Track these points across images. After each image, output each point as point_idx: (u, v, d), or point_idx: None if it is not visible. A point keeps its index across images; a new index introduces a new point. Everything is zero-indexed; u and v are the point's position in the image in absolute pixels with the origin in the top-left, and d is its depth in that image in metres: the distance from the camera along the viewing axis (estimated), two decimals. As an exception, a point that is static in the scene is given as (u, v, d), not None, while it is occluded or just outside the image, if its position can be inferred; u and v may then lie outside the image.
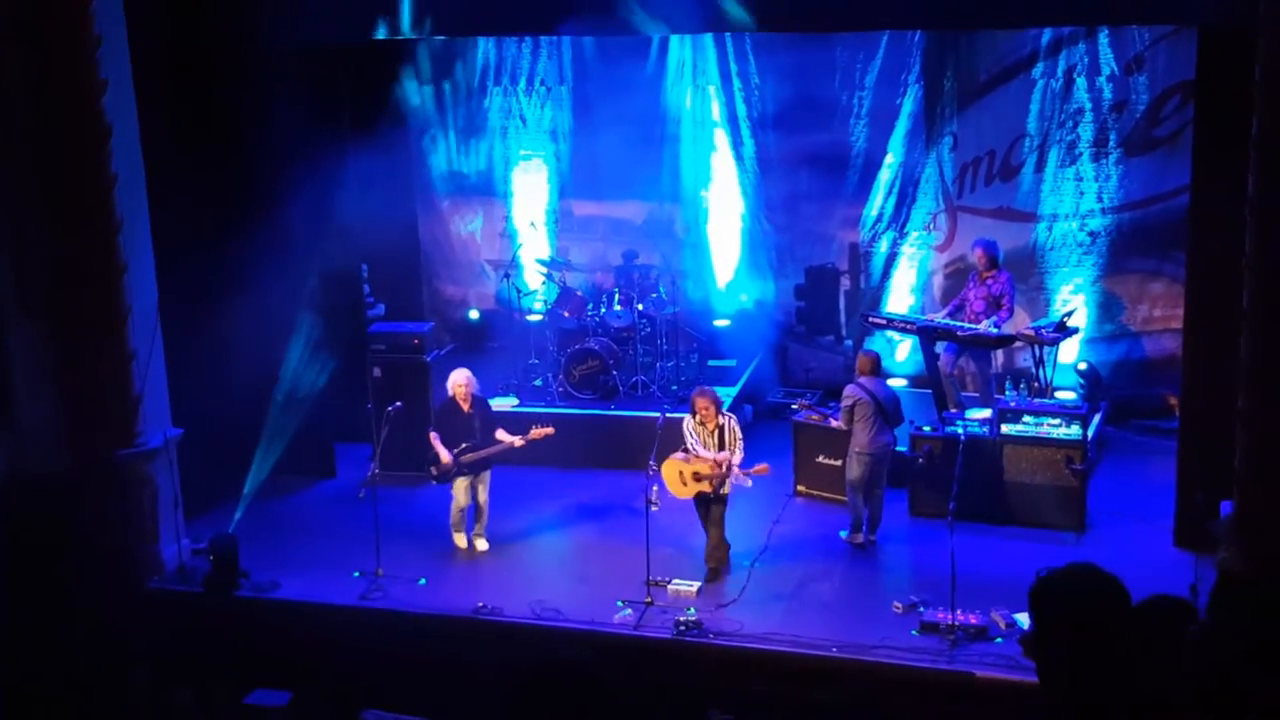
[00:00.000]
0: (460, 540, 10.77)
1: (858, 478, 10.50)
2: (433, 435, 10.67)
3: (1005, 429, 10.84)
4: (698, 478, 10.05)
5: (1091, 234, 12.99)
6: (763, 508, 11.11)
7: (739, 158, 13.95)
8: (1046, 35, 12.65)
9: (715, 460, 9.97)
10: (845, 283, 13.85)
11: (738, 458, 10.00)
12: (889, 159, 13.42)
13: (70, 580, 9.69)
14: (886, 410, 10.46)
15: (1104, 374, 12.83)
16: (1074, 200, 12.96)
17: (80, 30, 9.74)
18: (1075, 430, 10.72)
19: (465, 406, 10.66)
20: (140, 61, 10.30)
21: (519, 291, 13.65)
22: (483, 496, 10.74)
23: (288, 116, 11.20)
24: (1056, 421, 10.76)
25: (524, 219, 14.65)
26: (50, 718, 8.96)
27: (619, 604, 9.71)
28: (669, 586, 9.91)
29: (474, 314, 15.03)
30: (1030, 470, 10.79)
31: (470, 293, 15.15)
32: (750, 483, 10.21)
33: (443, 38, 13.24)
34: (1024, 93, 12.87)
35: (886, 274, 13.72)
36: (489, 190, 14.88)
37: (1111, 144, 12.75)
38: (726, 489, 10.08)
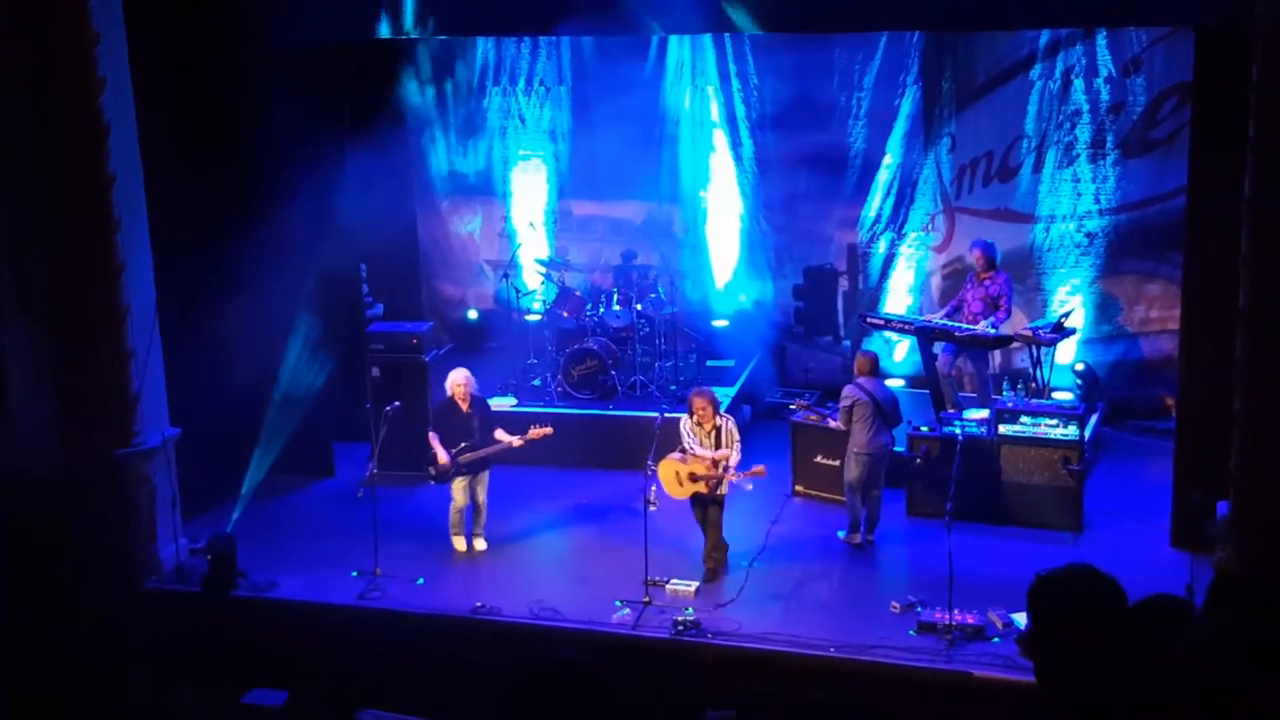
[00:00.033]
0: (460, 544, 10.74)
1: (856, 478, 10.51)
2: (431, 435, 10.68)
3: (1003, 429, 10.86)
4: (694, 478, 10.06)
5: (1089, 235, 13.00)
6: (761, 508, 11.11)
7: (738, 158, 13.96)
8: (1044, 37, 12.67)
9: (713, 459, 9.98)
10: (843, 283, 13.86)
11: (735, 459, 10.01)
12: (887, 160, 13.43)
13: (69, 580, 9.69)
14: (885, 411, 10.47)
15: (1101, 375, 12.85)
16: (1071, 201, 12.97)
17: (79, 28, 9.73)
18: (1072, 431, 10.74)
19: (464, 406, 10.66)
20: (139, 60, 10.29)
21: (518, 291, 13.66)
22: (481, 496, 10.74)
23: (286, 116, 11.21)
24: (1054, 422, 10.78)
25: (523, 219, 14.66)
26: (50, 717, 8.96)
27: (617, 604, 9.72)
28: (667, 586, 9.91)
29: (473, 314, 15.04)
30: (1027, 470, 10.81)
31: (469, 292, 15.15)
32: (750, 486, 10.22)
33: (441, 38, 13.24)
34: (1022, 94, 12.89)
35: (884, 274, 13.73)
36: (488, 190, 14.89)
37: (1109, 145, 12.77)
38: (723, 489, 10.08)
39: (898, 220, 13.57)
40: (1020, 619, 8.95)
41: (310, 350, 11.83)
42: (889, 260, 13.69)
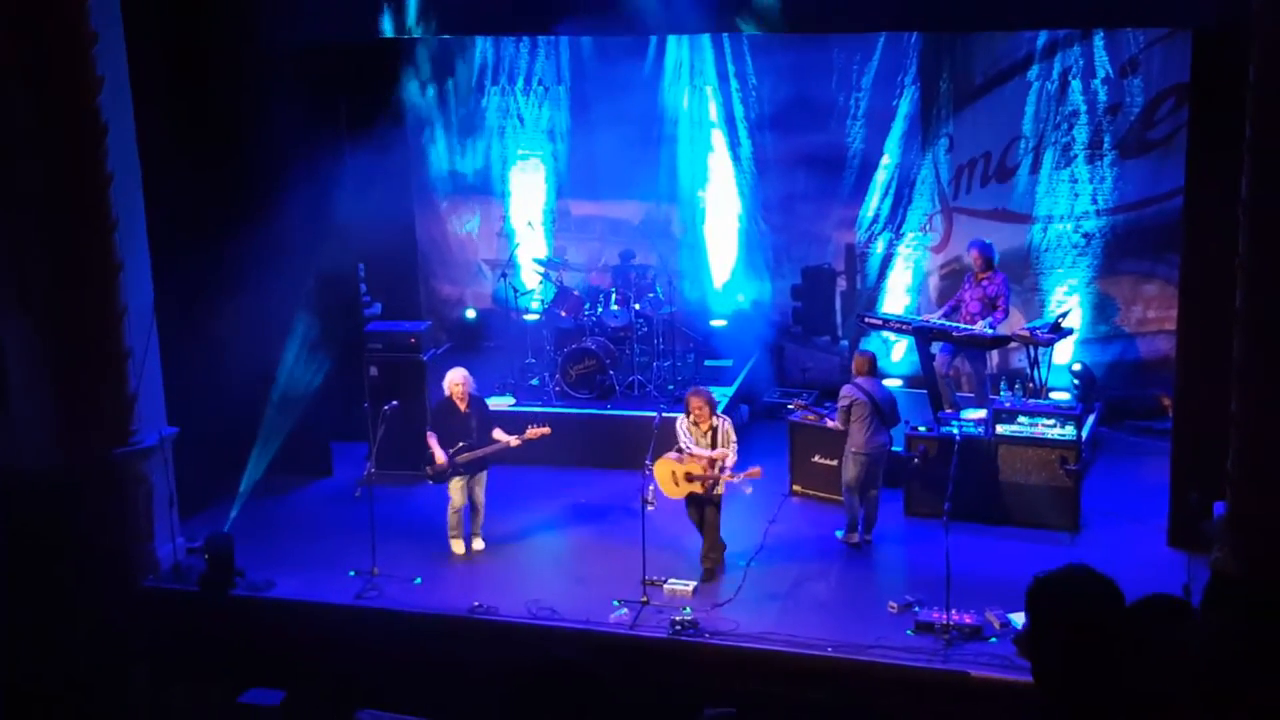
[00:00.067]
0: (458, 547, 10.71)
1: (853, 478, 10.52)
2: (429, 435, 10.67)
3: (1000, 429, 10.88)
4: (690, 478, 10.06)
5: (1086, 235, 13.01)
6: (758, 508, 11.10)
7: (736, 158, 13.96)
8: (1042, 38, 12.67)
9: (710, 457, 9.99)
10: (841, 283, 13.86)
11: (731, 459, 10.01)
12: (885, 160, 13.43)
13: (67, 579, 9.69)
14: (883, 411, 10.49)
15: (1098, 375, 12.85)
16: (1069, 202, 12.98)
17: (77, 27, 9.72)
18: (1070, 431, 10.75)
19: (462, 406, 10.66)
20: (137, 59, 10.29)
21: (516, 291, 13.66)
22: (479, 496, 10.74)
23: (285, 115, 11.20)
24: (1051, 422, 10.79)
25: (521, 218, 14.66)
26: (49, 717, 8.96)
27: (615, 603, 9.73)
28: (665, 586, 9.92)
29: (471, 313, 15.03)
30: (1025, 471, 10.82)
31: (467, 292, 15.15)
32: (749, 489, 10.22)
33: (440, 38, 13.23)
34: (1019, 95, 12.89)
35: (882, 275, 13.73)
36: (486, 190, 14.88)
37: (1106, 146, 12.78)
38: (720, 490, 10.09)
39: (896, 220, 13.57)
40: (1018, 619, 8.96)
41: (308, 349, 11.82)
42: (887, 260, 13.69)
